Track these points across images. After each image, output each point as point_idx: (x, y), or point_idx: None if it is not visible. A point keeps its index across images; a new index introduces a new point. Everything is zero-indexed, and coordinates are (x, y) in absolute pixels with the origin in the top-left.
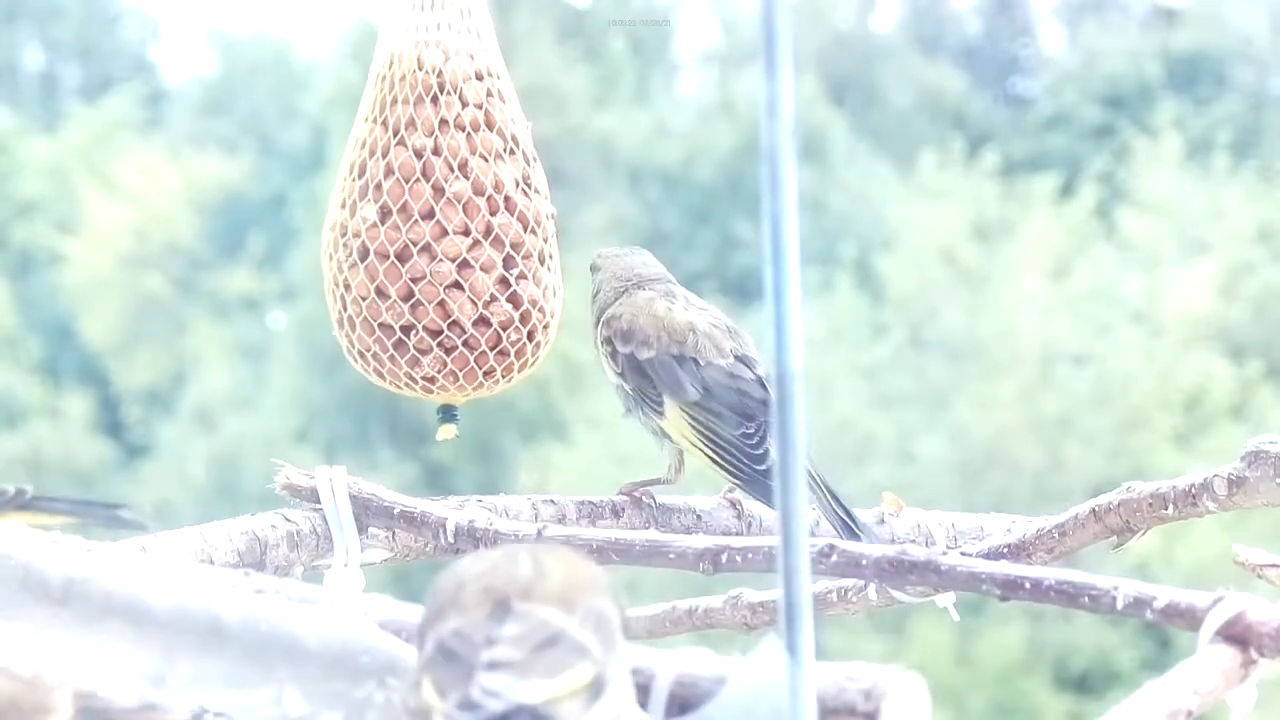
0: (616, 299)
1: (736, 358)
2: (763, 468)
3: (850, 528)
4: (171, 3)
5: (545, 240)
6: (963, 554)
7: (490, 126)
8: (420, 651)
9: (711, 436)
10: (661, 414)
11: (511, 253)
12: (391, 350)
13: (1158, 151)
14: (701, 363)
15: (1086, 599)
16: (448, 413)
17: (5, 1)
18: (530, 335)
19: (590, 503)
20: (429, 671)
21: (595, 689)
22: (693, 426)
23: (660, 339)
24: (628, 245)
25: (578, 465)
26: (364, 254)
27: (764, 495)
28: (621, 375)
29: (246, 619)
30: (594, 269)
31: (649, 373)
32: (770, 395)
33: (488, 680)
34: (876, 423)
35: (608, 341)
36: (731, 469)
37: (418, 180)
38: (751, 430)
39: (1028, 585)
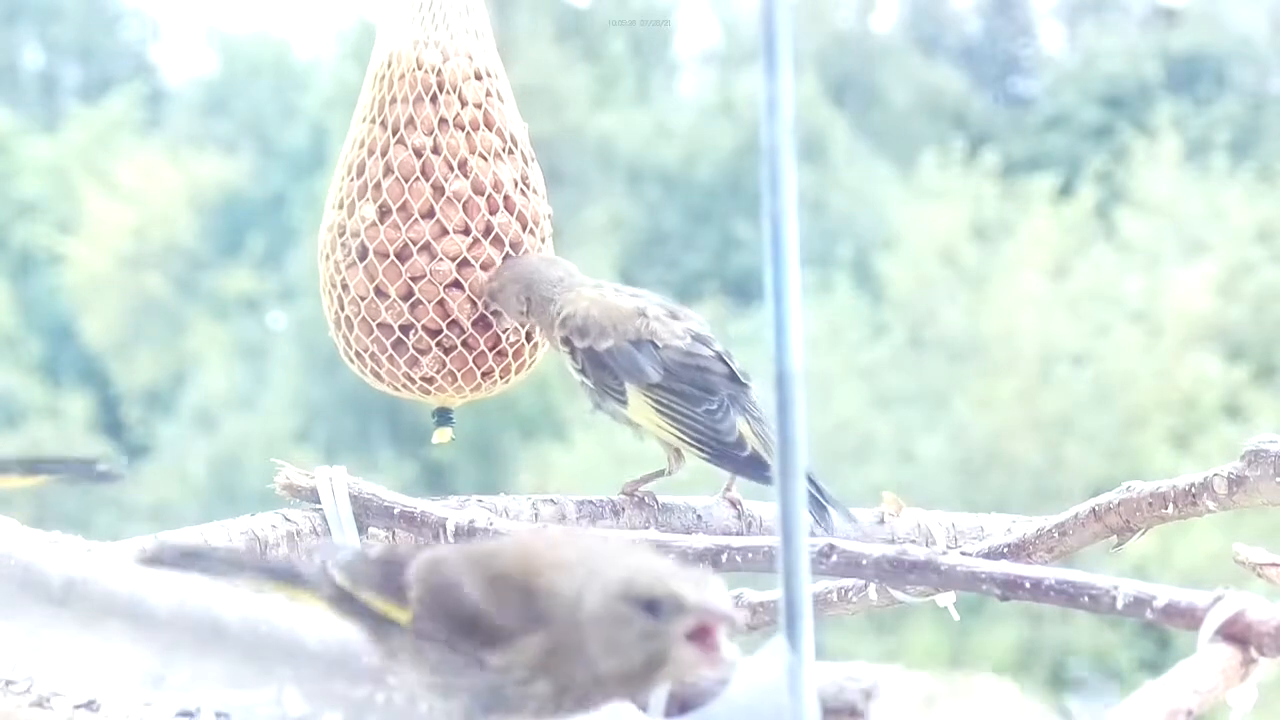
0: (561, 298)
1: (693, 337)
2: (732, 439)
3: (818, 501)
4: (171, 3)
5: (543, 240)
6: (963, 554)
7: (489, 126)
8: None
9: (676, 415)
10: (625, 402)
11: (511, 252)
12: (390, 350)
13: (1157, 152)
14: (660, 345)
15: (1086, 599)
16: (443, 416)
17: (5, 1)
18: (529, 336)
19: (590, 503)
20: None
21: None
22: (656, 409)
23: (615, 327)
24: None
25: (578, 465)
26: (363, 253)
27: (737, 468)
28: (582, 371)
29: (246, 619)
30: (519, 279)
31: (608, 362)
32: (732, 369)
33: None
34: (876, 423)
35: (565, 341)
36: (700, 445)
37: (417, 179)
38: (715, 406)
39: (1028, 585)
